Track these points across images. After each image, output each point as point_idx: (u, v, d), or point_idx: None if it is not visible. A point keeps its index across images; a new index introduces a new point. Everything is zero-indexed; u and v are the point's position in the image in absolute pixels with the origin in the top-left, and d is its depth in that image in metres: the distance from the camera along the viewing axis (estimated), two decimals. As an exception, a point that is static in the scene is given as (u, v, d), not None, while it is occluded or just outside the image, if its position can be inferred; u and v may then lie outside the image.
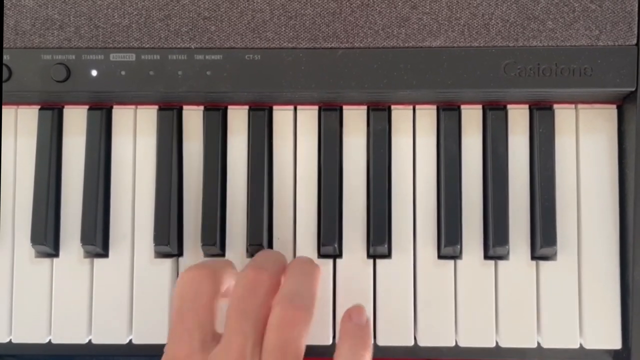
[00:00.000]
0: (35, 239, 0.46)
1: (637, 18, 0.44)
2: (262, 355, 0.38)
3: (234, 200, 0.47)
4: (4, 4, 0.45)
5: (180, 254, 0.47)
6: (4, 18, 0.45)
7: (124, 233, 0.47)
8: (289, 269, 0.42)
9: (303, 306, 0.39)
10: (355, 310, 0.42)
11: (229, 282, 0.42)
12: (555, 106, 0.47)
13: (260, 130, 0.47)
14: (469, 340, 0.46)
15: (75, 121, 0.47)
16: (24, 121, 0.48)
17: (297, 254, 0.47)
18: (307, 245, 0.46)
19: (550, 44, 0.44)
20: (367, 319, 0.42)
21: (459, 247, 0.45)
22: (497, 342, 0.46)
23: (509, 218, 0.46)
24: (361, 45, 0.44)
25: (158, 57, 0.45)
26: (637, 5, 0.44)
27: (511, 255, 0.46)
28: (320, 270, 0.43)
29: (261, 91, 0.45)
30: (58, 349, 0.47)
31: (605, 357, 0.46)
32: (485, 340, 0.46)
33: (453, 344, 0.46)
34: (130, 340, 0.47)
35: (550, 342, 0.46)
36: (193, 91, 0.45)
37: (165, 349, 0.39)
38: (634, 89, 0.44)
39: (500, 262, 0.46)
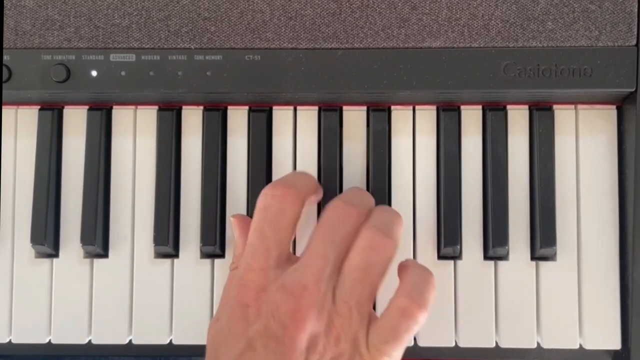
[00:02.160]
0: (35, 239, 0.46)
1: (636, 19, 0.44)
2: (342, 275, 0.39)
3: (233, 201, 0.47)
4: (4, 4, 0.45)
5: (177, 254, 0.47)
6: (4, 18, 0.45)
7: (124, 233, 0.47)
8: (375, 208, 0.42)
9: (391, 235, 0.40)
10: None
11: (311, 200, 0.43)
12: (555, 107, 0.47)
13: (260, 131, 0.47)
14: (468, 340, 0.46)
15: (75, 121, 0.47)
16: (24, 121, 0.48)
17: (297, 255, 0.47)
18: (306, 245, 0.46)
19: (550, 45, 0.44)
20: None
21: (458, 247, 0.45)
22: (497, 343, 0.46)
23: (509, 218, 0.46)
24: (361, 45, 0.44)
25: (158, 57, 0.45)
26: (636, 5, 0.44)
27: (511, 256, 0.46)
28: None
29: (261, 92, 0.45)
30: (58, 349, 0.47)
31: (604, 358, 0.46)
32: (485, 340, 0.46)
33: (453, 344, 0.46)
34: (130, 341, 0.47)
35: (550, 343, 0.46)
36: (193, 91, 0.45)
37: (242, 261, 0.40)
38: (633, 90, 0.44)
39: (500, 263, 0.46)
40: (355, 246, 0.39)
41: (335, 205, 0.41)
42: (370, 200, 0.43)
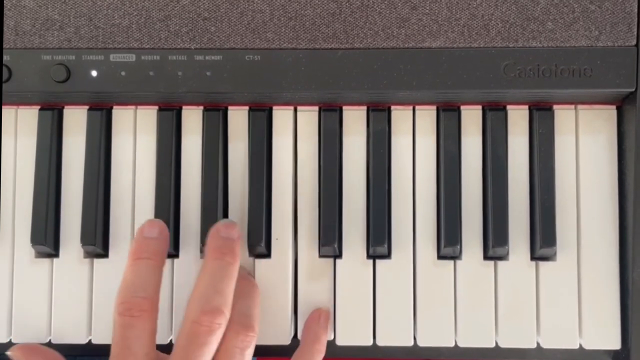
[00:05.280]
0: (35, 239, 0.46)
1: (636, 19, 0.44)
2: None
3: (233, 201, 0.47)
4: (4, 4, 0.45)
5: (177, 254, 0.47)
6: (4, 18, 0.45)
7: (124, 233, 0.47)
8: (235, 293, 0.42)
9: (253, 326, 0.42)
10: (325, 314, 0.46)
11: None
12: (555, 107, 0.47)
13: (260, 131, 0.47)
14: (468, 340, 0.46)
15: (75, 121, 0.47)
16: (24, 121, 0.48)
17: (298, 255, 0.47)
18: (306, 245, 0.46)
19: (550, 45, 0.44)
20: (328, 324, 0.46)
21: (458, 247, 0.45)
22: (496, 343, 0.46)
23: (509, 218, 0.46)
24: (361, 45, 0.44)
25: (158, 57, 0.45)
26: (636, 6, 0.44)
27: (511, 256, 0.46)
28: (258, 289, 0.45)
29: (261, 92, 0.45)
30: (58, 349, 0.46)
31: (604, 358, 0.46)
32: (484, 340, 0.46)
33: (453, 344, 0.46)
34: (130, 341, 0.47)
35: (549, 343, 0.46)
36: (193, 92, 0.45)
37: None
38: (633, 90, 0.44)
39: (500, 263, 0.46)
40: (226, 346, 0.41)
41: (196, 322, 0.40)
42: (233, 270, 0.42)
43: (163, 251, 0.43)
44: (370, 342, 0.46)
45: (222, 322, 0.40)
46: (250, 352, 0.42)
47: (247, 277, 0.45)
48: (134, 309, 0.40)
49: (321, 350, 0.45)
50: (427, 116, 0.47)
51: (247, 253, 0.46)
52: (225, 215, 0.47)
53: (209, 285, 0.41)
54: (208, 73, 0.44)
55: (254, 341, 0.42)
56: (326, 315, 0.46)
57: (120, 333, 0.40)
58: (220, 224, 0.44)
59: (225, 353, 0.41)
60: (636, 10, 0.44)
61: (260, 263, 0.46)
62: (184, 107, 0.47)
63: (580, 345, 0.46)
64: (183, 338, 0.40)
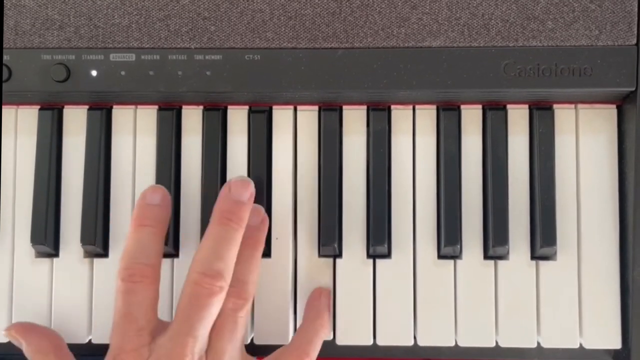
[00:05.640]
0: (35, 239, 0.46)
1: (636, 18, 0.44)
2: (211, 342, 0.41)
3: (233, 200, 0.47)
4: (4, 4, 0.45)
5: (177, 254, 0.47)
6: (4, 18, 0.45)
7: (124, 233, 0.47)
8: (237, 259, 0.43)
9: (250, 292, 0.43)
10: (325, 292, 0.46)
11: None
12: (555, 106, 0.47)
13: (260, 130, 0.47)
14: (468, 340, 0.46)
15: (75, 121, 0.47)
16: (24, 121, 0.48)
17: (298, 254, 0.47)
18: (306, 245, 0.46)
19: (550, 44, 0.44)
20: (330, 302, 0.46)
21: (458, 247, 0.45)
22: (497, 342, 0.46)
23: (509, 218, 0.46)
24: (361, 45, 0.44)
25: (158, 57, 0.45)
26: (636, 5, 0.44)
27: (511, 255, 0.46)
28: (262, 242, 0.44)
29: (261, 91, 0.45)
30: (58, 349, 0.47)
31: (605, 357, 0.46)
32: (485, 340, 0.46)
33: (453, 344, 0.46)
34: (130, 340, 0.47)
35: (550, 342, 0.46)
36: (193, 91, 0.45)
37: (112, 343, 0.41)
38: (633, 89, 0.44)
39: (500, 262, 0.46)
40: (221, 309, 0.41)
41: (197, 283, 0.40)
42: (237, 236, 0.42)
43: (165, 219, 0.44)
44: (370, 342, 0.46)
45: (223, 285, 0.41)
46: (242, 316, 0.42)
47: (250, 240, 0.44)
48: (136, 275, 0.41)
49: (324, 326, 0.45)
50: (427, 115, 0.47)
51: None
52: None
53: (211, 250, 0.41)
54: (208, 72, 0.44)
55: (246, 305, 0.42)
56: (327, 294, 0.46)
57: (123, 299, 0.41)
58: (233, 181, 0.44)
59: (220, 316, 0.41)
60: (636, 9, 0.44)
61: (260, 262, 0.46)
62: (183, 106, 0.47)
63: (581, 345, 0.46)
64: (185, 300, 0.41)
